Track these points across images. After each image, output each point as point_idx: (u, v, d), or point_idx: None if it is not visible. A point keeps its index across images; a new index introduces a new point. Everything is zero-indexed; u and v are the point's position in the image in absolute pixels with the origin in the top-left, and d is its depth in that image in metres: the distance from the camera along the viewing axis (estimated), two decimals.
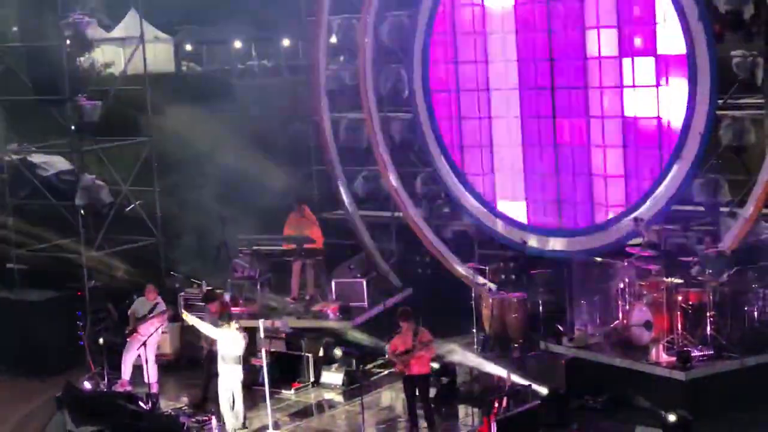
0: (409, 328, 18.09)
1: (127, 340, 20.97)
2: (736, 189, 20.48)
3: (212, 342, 19.38)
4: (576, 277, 20.75)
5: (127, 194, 24.52)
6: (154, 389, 20.58)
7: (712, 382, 18.25)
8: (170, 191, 24.90)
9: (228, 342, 18.69)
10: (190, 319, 19.46)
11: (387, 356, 19.01)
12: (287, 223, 23.16)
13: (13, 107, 24.25)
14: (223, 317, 18.97)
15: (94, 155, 24.35)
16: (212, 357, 19.32)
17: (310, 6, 25.07)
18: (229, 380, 18.70)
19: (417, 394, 18.34)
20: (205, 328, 19.19)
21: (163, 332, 21.35)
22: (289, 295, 22.96)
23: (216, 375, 18.95)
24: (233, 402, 18.75)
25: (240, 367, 18.74)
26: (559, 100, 22.03)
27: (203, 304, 20.55)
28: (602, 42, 21.53)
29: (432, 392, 18.79)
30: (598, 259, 20.79)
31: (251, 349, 19.46)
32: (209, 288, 21.65)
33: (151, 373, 20.78)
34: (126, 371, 20.93)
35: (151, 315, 20.74)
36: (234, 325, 18.74)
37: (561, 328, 20.36)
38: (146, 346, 20.45)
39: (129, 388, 20.57)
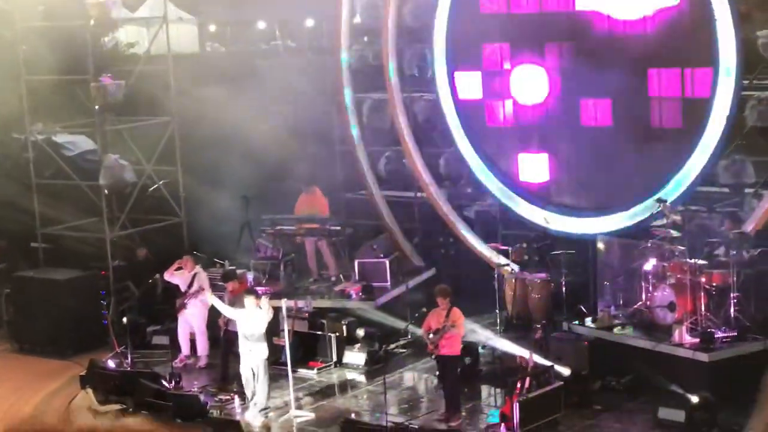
0: (444, 306, 18.06)
1: (177, 315, 21.32)
2: (761, 170, 20.37)
3: (228, 321, 19.47)
4: (599, 257, 20.71)
5: (150, 174, 24.59)
6: (202, 362, 20.77)
7: (736, 363, 18.18)
8: (193, 171, 24.94)
9: (248, 320, 18.71)
10: (211, 299, 19.56)
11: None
12: (298, 204, 23.24)
13: (37, 87, 24.30)
14: (248, 293, 18.99)
15: (117, 135, 24.43)
16: (229, 336, 19.38)
17: None
18: (251, 359, 18.73)
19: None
20: (224, 308, 19.26)
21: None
22: (311, 275, 23.01)
23: (234, 354, 18.99)
24: (255, 380, 18.78)
25: (263, 345, 18.76)
26: (585, 78, 21.87)
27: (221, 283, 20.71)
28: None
29: None
30: (617, 240, 20.70)
31: (273, 329, 19.51)
32: (228, 268, 21.74)
33: (200, 347, 21.02)
34: (184, 346, 21.24)
35: (192, 288, 20.94)
36: (263, 301, 18.67)
37: (584, 308, 20.33)
38: (187, 319, 20.68)
39: (187, 363, 21.05)
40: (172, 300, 21.80)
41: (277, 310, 19.35)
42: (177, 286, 21.49)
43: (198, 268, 21.42)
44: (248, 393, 18.98)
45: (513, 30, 22.54)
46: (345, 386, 20.35)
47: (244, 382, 19.01)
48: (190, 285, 21.25)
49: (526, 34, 22.38)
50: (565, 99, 22.10)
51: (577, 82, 21.74)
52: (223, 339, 20.09)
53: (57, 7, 24.46)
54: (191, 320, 21.28)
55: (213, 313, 20.70)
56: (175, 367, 20.34)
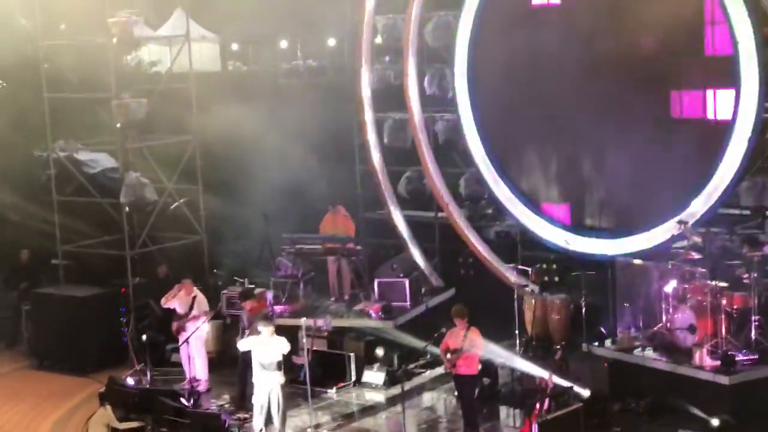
0: (462, 326, 18.04)
1: (177, 338, 21.19)
2: None
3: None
4: (619, 279, 20.65)
5: (171, 192, 24.65)
6: (202, 387, 20.71)
7: (756, 387, 18.08)
8: (214, 189, 25.00)
9: (263, 348, 18.33)
10: (204, 329, 19.19)
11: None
12: (323, 223, 23.28)
13: (60, 105, 24.43)
14: (261, 316, 18.91)
15: (139, 153, 24.52)
16: (247, 355, 19.05)
17: (356, 6, 25.10)
18: (266, 386, 18.32)
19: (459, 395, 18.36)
20: (244, 345, 18.90)
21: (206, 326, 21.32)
22: (331, 294, 23.02)
23: (251, 376, 18.79)
24: (268, 408, 18.47)
25: (279, 374, 18.30)
26: (605, 101, 21.87)
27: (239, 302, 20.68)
28: None
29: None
30: (638, 261, 20.65)
31: (293, 348, 19.46)
32: (247, 286, 21.73)
33: (198, 370, 20.91)
34: (187, 369, 21.00)
35: (191, 312, 20.91)
36: (267, 328, 18.33)
37: (604, 330, 20.26)
38: (189, 343, 20.57)
39: (192, 385, 20.63)
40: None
41: (296, 329, 19.30)
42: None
43: (197, 291, 21.34)
44: (260, 422, 18.61)
45: None
46: (363, 406, 20.30)
47: (257, 410, 18.53)
48: (190, 308, 21.17)
49: None
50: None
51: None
52: (240, 358, 20.05)
53: (79, 25, 24.59)
54: (190, 343, 20.89)
55: (232, 332, 20.70)
56: (181, 389, 20.23)
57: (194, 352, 20.90)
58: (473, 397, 18.45)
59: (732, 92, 19.96)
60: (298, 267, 22.96)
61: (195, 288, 21.34)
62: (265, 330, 18.26)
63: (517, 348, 21.30)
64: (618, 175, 21.79)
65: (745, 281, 18.96)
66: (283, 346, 18.29)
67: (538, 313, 21.40)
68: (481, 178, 23.69)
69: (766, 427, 17.42)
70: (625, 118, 21.51)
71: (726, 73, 19.99)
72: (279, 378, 18.38)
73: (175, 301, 21.23)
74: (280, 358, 18.35)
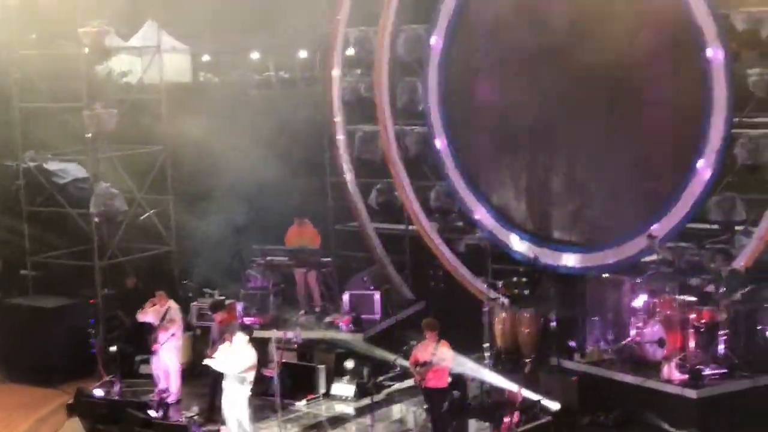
0: (431, 339, 18.04)
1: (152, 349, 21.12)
2: (751, 207, 20.42)
3: (213, 352, 19.28)
4: (589, 293, 20.73)
5: (141, 203, 24.57)
6: (171, 398, 20.63)
7: (724, 400, 18.19)
8: (184, 200, 24.94)
9: (229, 357, 18.33)
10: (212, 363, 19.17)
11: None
12: (288, 235, 23.27)
13: (30, 114, 24.32)
14: (230, 328, 18.87)
15: (109, 163, 24.39)
16: (217, 371, 19.02)
17: (328, 18, 25.13)
18: (232, 397, 18.38)
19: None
20: (213, 360, 18.91)
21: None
22: (300, 306, 23.00)
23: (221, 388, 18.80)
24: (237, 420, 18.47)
25: (242, 387, 18.27)
26: (574, 114, 21.96)
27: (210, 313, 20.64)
28: None
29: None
30: (607, 275, 20.75)
31: (262, 360, 19.43)
32: (217, 298, 21.69)
33: (170, 382, 20.84)
34: (158, 380, 20.97)
35: (163, 323, 20.83)
36: (242, 338, 18.41)
37: (573, 343, 20.32)
38: (161, 354, 20.50)
39: (162, 396, 20.60)
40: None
41: (266, 341, 19.27)
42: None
43: (171, 303, 21.28)
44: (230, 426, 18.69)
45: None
46: (333, 418, 20.27)
47: (225, 415, 18.67)
48: (163, 319, 21.09)
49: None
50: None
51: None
52: (211, 369, 19.97)
53: (50, 34, 24.49)
54: (162, 355, 20.88)
55: (202, 343, 20.65)
56: (150, 401, 20.14)
57: (167, 362, 20.84)
58: (443, 409, 18.44)
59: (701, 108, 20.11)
60: (268, 279, 22.97)
61: (169, 300, 21.26)
62: (240, 339, 18.23)
63: (487, 361, 21.28)
64: (588, 189, 21.87)
65: (713, 296, 19.09)
66: (248, 357, 18.22)
67: (507, 327, 21.45)
68: (452, 191, 23.74)
69: None
70: (594, 131, 21.61)
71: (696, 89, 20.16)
72: (242, 390, 18.31)
73: (149, 315, 21.14)
74: (239, 370, 18.25)
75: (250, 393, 18.47)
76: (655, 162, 21.09)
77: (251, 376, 18.32)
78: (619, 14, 20.51)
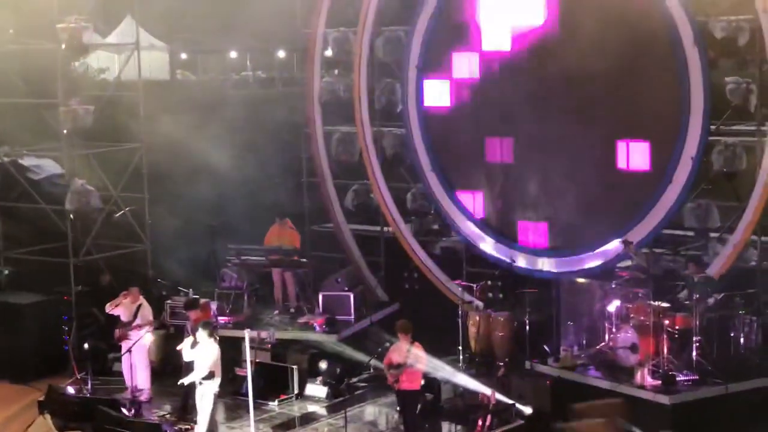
0: (405, 341, 18.04)
1: (120, 345, 20.98)
2: (726, 215, 20.51)
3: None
4: (563, 297, 20.77)
5: (116, 200, 24.48)
6: (144, 396, 20.54)
7: (696, 406, 18.23)
8: (160, 198, 24.87)
9: (192, 350, 18.25)
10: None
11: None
12: (268, 235, 23.23)
13: (5, 110, 24.18)
14: (203, 325, 18.78)
15: (85, 160, 24.29)
16: (189, 369, 19.02)
17: (307, 18, 25.12)
18: (200, 390, 18.27)
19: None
20: (186, 351, 18.82)
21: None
22: (275, 306, 22.98)
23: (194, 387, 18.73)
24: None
25: (208, 382, 18.09)
26: (553, 122, 22.02)
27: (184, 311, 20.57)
28: None
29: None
30: (582, 280, 20.80)
31: (236, 360, 19.38)
32: (191, 296, 21.63)
33: (140, 379, 20.74)
34: (128, 378, 20.78)
35: (136, 321, 20.75)
36: (203, 333, 18.15)
37: (547, 348, 20.36)
38: (131, 352, 20.41)
39: (130, 395, 20.41)
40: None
41: (240, 341, 19.20)
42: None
43: (143, 300, 21.19)
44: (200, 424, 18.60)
45: None
46: (305, 419, 20.24)
47: (198, 414, 18.52)
48: (135, 316, 20.99)
49: None
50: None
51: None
52: (184, 367, 19.91)
53: (28, 30, 24.38)
54: (133, 352, 20.62)
55: (175, 341, 20.59)
56: (122, 399, 20.06)
57: (137, 361, 20.73)
58: (415, 412, 18.43)
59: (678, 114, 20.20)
60: (243, 278, 22.94)
61: (141, 297, 21.19)
62: (201, 335, 18.10)
63: (461, 364, 21.33)
64: (563, 194, 21.91)
65: (686, 302, 19.16)
66: (212, 352, 18.17)
67: (481, 330, 21.45)
68: (428, 193, 23.76)
69: None
70: (570, 135, 21.67)
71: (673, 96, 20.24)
72: (207, 386, 18.19)
73: (119, 309, 21.06)
74: (205, 365, 18.12)
75: (218, 389, 18.39)
76: (632, 167, 21.14)
77: (218, 369, 18.22)
78: (596, 18, 20.55)
